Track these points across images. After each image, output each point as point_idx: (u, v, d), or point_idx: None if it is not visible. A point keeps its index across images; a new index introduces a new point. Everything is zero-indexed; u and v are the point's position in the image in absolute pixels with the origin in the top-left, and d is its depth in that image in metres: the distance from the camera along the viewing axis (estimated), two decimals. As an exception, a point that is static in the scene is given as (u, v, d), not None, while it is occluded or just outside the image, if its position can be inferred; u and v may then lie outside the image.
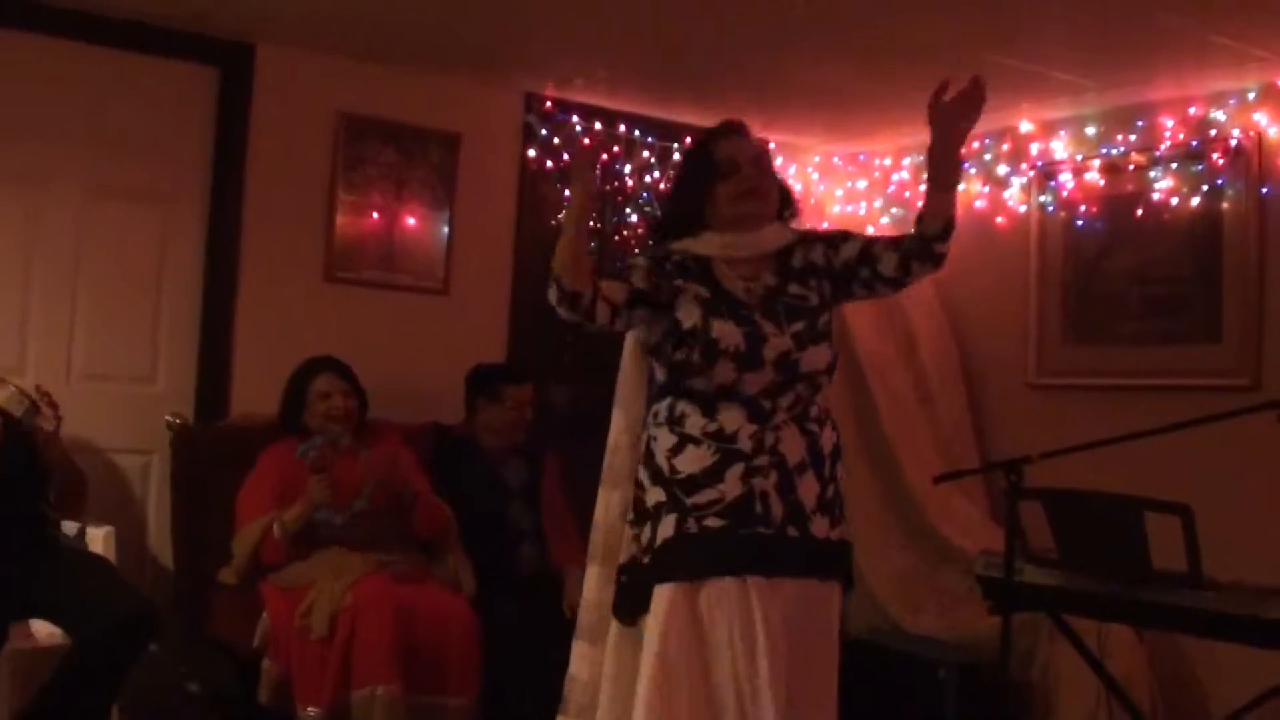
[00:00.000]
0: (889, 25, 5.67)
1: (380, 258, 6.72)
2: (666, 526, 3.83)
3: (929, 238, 3.88)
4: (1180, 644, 6.07)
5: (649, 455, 3.96)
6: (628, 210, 7.47)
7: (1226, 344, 6.16)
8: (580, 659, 4.10)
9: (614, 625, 3.98)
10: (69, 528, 5.40)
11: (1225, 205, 6.19)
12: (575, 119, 7.16)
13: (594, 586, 4.10)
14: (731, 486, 3.80)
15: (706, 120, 7.25)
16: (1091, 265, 6.70)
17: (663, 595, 3.76)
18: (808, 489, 3.86)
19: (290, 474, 5.53)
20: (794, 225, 4.21)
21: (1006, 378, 7.03)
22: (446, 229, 6.90)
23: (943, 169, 3.87)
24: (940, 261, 3.96)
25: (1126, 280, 6.56)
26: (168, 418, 6.06)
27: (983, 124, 7.02)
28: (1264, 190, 6.06)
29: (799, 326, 3.89)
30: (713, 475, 3.81)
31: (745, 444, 3.82)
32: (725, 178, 3.98)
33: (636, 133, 7.34)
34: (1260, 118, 6.08)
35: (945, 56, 5.96)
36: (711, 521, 3.79)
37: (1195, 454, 5.63)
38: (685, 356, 3.87)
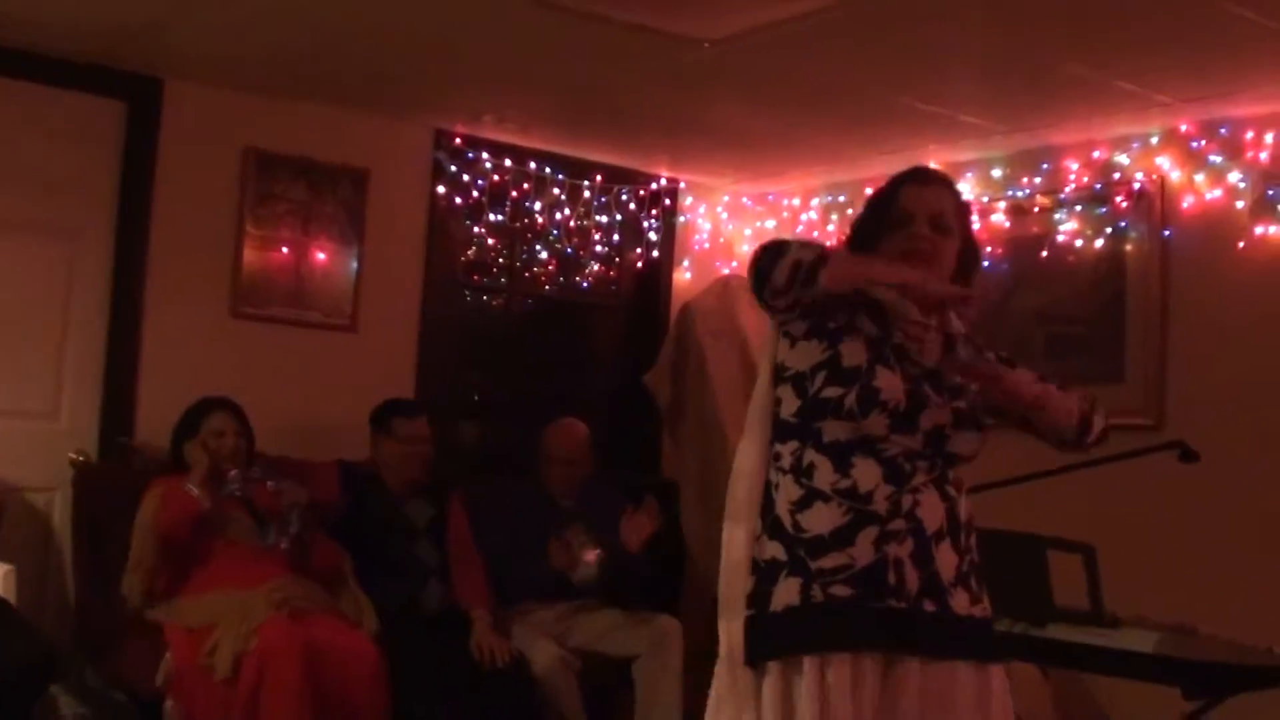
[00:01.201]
0: (796, 67, 5.71)
1: (288, 294, 6.67)
2: (788, 592, 3.37)
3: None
4: (1084, 681, 6.12)
5: (768, 502, 3.49)
6: (538, 247, 7.48)
7: (1129, 384, 6.22)
8: None
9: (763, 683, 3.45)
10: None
11: (1128, 247, 6.28)
12: (485, 156, 7.15)
13: (730, 640, 3.52)
14: (863, 552, 3.32)
15: (617, 158, 7.38)
16: (997, 306, 6.75)
17: (781, 669, 3.35)
18: (946, 559, 3.40)
19: (179, 497, 5.47)
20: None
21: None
22: (355, 265, 6.86)
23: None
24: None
25: (1031, 320, 6.63)
26: (71, 455, 6.00)
27: (890, 165, 7.13)
28: (1166, 233, 6.14)
29: (961, 404, 3.47)
30: (843, 538, 3.33)
31: (881, 505, 3.35)
32: (896, 228, 3.52)
33: (547, 170, 7.33)
34: (1163, 162, 6.17)
35: (852, 99, 6.03)
36: (838, 590, 3.33)
37: (1098, 493, 5.68)
38: (838, 396, 3.39)
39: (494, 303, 7.75)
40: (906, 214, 3.50)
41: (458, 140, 7.11)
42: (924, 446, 3.41)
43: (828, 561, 3.33)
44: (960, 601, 3.42)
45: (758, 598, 3.42)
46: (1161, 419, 6.08)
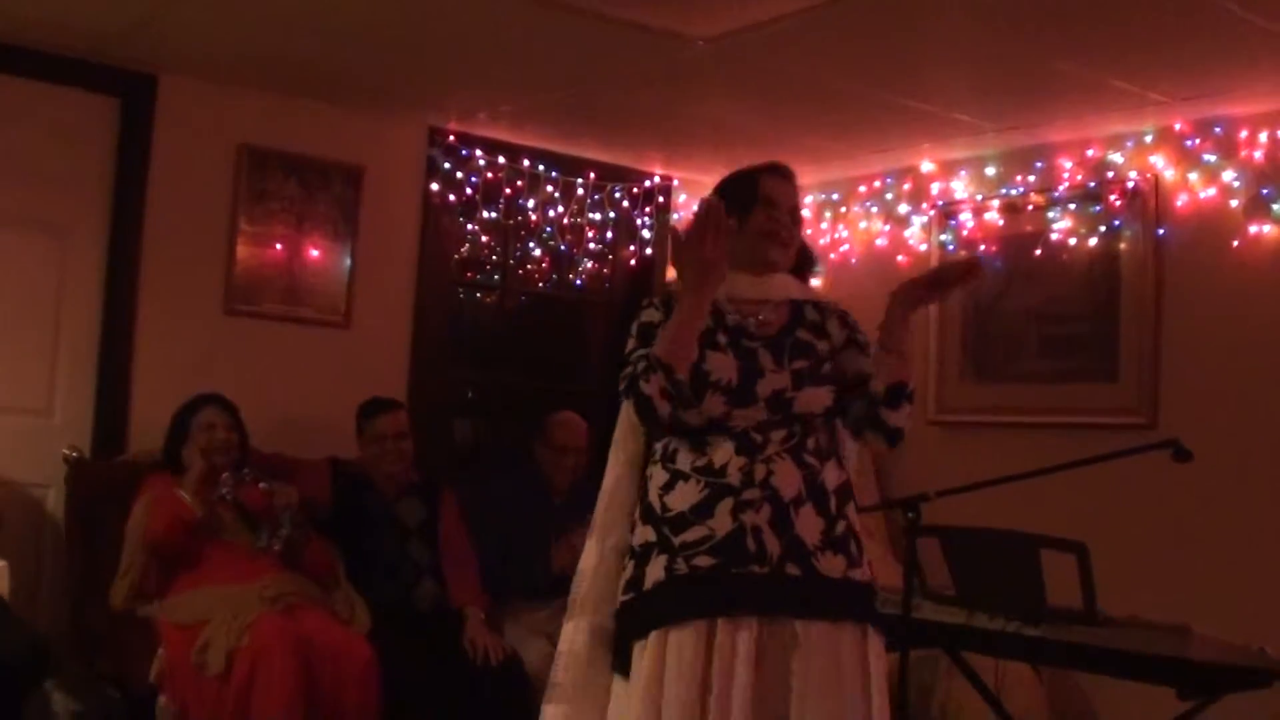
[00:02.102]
0: (789, 65, 5.70)
1: (282, 290, 6.67)
2: (656, 568, 3.61)
3: (875, 400, 3.69)
4: (1077, 680, 6.13)
5: (644, 493, 3.76)
6: (531, 244, 7.47)
7: (1123, 383, 6.23)
8: None
9: (615, 680, 3.71)
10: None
11: (1122, 246, 6.28)
12: (478, 153, 7.14)
13: (571, 638, 3.79)
14: (721, 522, 3.57)
15: (610, 156, 7.37)
16: (990, 304, 6.76)
17: (652, 641, 3.56)
18: (808, 524, 3.60)
19: (170, 502, 5.48)
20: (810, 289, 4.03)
21: (907, 415, 7.04)
22: (349, 262, 6.86)
23: (893, 333, 3.67)
24: (892, 436, 3.73)
25: (1025, 319, 6.63)
26: (65, 451, 5.99)
27: (884, 163, 7.19)
28: (1160, 232, 6.15)
29: (801, 365, 3.71)
30: (702, 511, 3.59)
31: (734, 477, 3.60)
32: (763, 207, 3.84)
33: (540, 167, 7.33)
34: (1157, 160, 6.17)
35: (845, 97, 6.02)
36: (701, 560, 3.56)
37: (1092, 491, 5.70)
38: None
39: (487, 300, 7.75)
40: (772, 200, 3.86)
41: (451, 137, 7.10)
42: (770, 413, 3.65)
43: (690, 535, 3.60)
44: (830, 564, 3.62)
45: (635, 581, 3.67)
46: (1155, 418, 6.09)
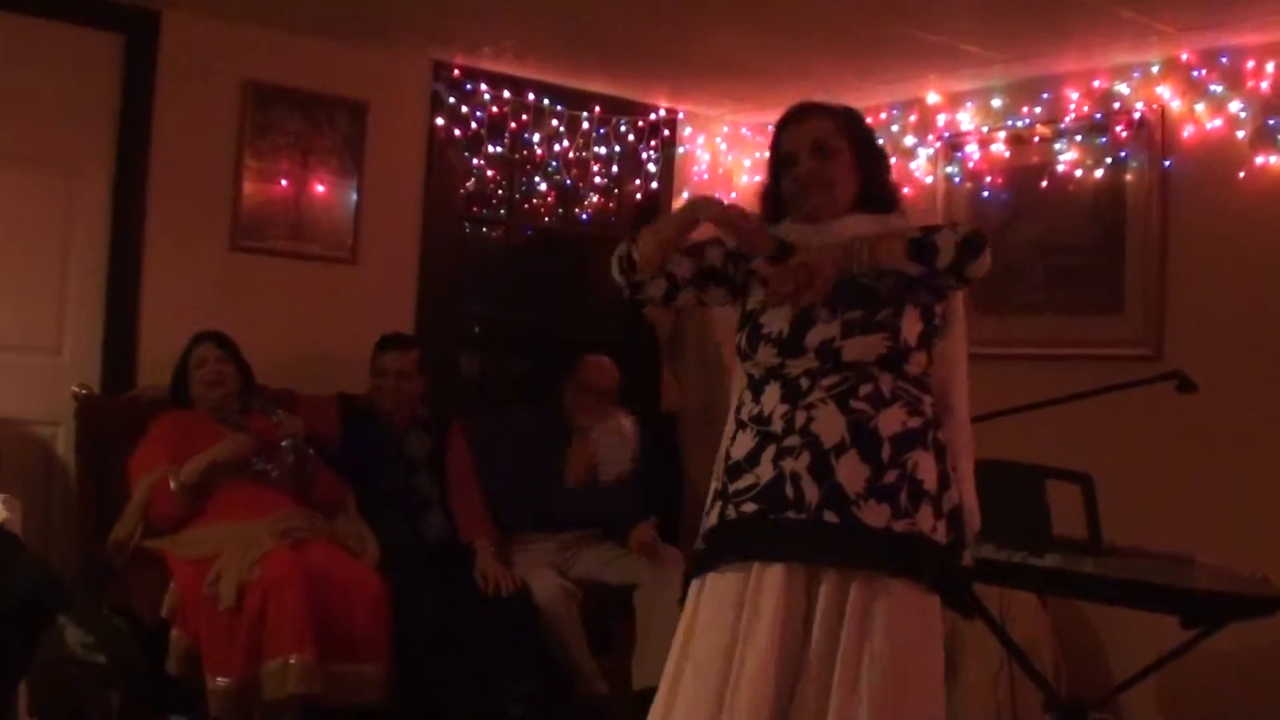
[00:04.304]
0: (797, -4, 5.70)
1: (288, 227, 6.67)
2: (714, 515, 3.74)
3: (928, 280, 3.66)
4: (1082, 610, 6.16)
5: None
6: (537, 179, 7.46)
7: (1128, 314, 6.23)
8: None
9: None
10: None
11: (1129, 177, 6.27)
12: (484, 87, 7.13)
13: None
14: (765, 470, 3.61)
15: (615, 89, 7.35)
16: (996, 236, 6.72)
17: (696, 584, 3.72)
18: (851, 472, 3.54)
19: (182, 438, 5.55)
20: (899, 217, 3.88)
21: (913, 347, 7.04)
22: (354, 197, 6.85)
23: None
24: (960, 281, 3.75)
25: (1031, 251, 6.63)
26: (74, 388, 6.02)
27: (890, 95, 7.17)
28: (1166, 163, 6.13)
29: (854, 315, 3.63)
30: (752, 459, 3.65)
31: (777, 425, 3.62)
32: (784, 171, 3.83)
33: (545, 101, 7.31)
34: (1163, 91, 6.15)
35: (852, 28, 6.01)
36: (747, 506, 3.63)
37: (1097, 422, 5.71)
38: (739, 341, 3.77)
39: (493, 235, 7.75)
40: (789, 155, 3.84)
41: (456, 71, 7.08)
42: (821, 362, 3.63)
43: (741, 483, 3.67)
44: (874, 514, 3.55)
45: (703, 529, 3.78)
46: (1160, 349, 6.09)
